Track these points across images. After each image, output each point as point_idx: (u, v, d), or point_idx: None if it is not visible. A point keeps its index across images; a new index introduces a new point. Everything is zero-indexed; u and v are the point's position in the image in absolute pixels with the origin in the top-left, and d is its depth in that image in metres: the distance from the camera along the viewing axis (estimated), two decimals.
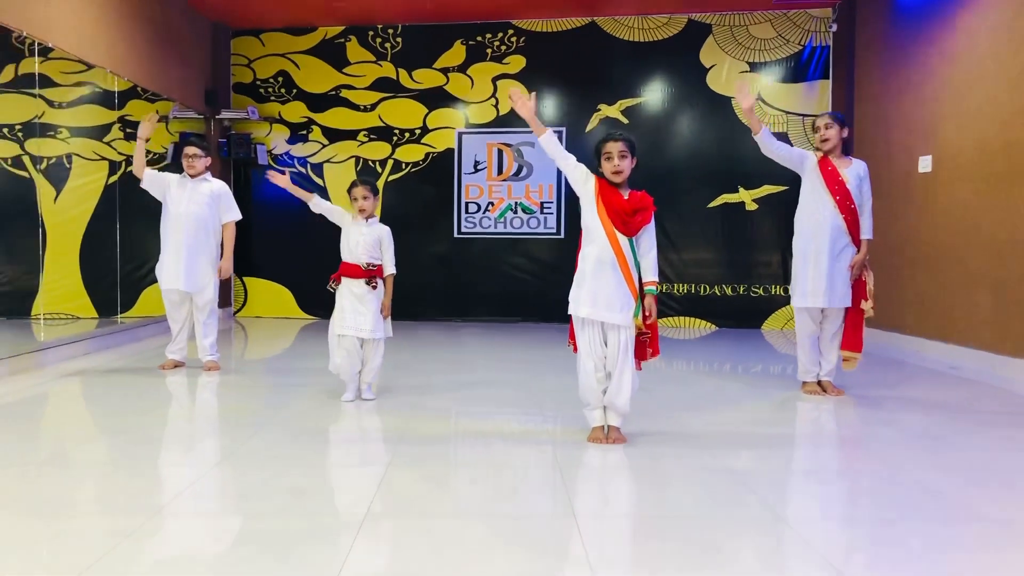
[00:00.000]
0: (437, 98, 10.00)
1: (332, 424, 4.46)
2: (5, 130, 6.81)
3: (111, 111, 7.80)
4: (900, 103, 7.91)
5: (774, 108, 9.52)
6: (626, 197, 3.89)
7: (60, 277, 7.41)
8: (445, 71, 9.98)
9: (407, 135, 10.03)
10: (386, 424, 4.43)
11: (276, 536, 2.69)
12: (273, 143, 10.19)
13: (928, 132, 7.41)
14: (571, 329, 4.03)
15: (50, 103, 7.04)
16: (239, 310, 10.35)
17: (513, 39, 9.88)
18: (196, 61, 9.41)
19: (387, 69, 10.03)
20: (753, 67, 9.55)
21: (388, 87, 10.04)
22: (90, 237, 7.74)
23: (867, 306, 5.21)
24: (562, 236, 9.80)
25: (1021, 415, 4.85)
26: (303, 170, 10.15)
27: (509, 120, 9.88)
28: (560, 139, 9.80)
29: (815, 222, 5.22)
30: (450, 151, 9.99)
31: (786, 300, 9.34)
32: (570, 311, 3.94)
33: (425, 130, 10.01)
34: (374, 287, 4.88)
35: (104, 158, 7.83)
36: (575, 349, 4.00)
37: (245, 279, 10.30)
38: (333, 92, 10.10)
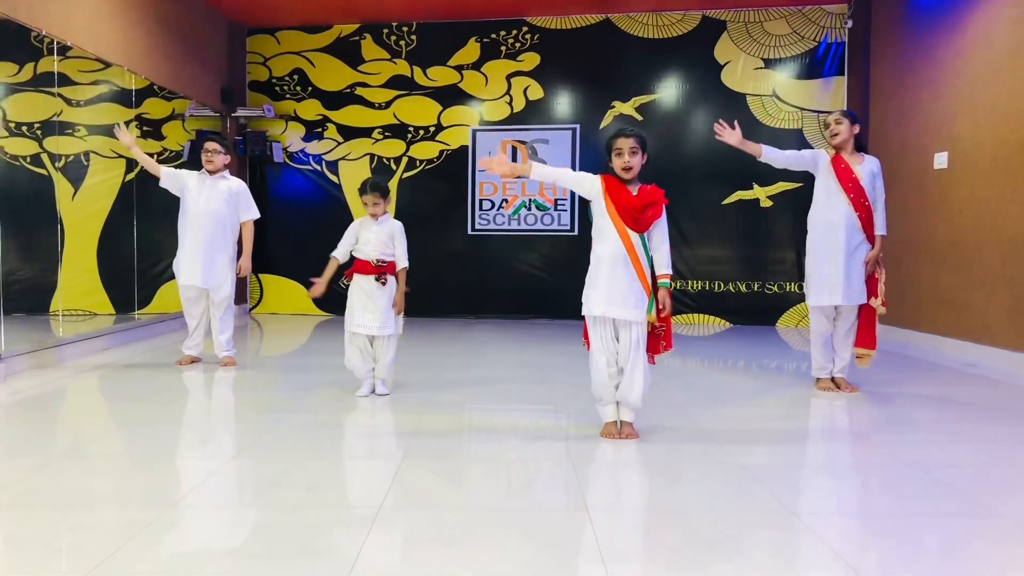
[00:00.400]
0: (451, 95, 10.02)
1: (347, 418, 4.49)
2: (24, 128, 6.87)
3: (128, 109, 7.85)
4: (916, 99, 7.88)
5: (789, 104, 9.49)
6: (635, 193, 3.89)
7: (78, 274, 7.47)
8: (459, 68, 10.00)
9: (421, 132, 10.05)
10: (400, 419, 4.46)
11: (291, 529, 2.72)
12: (288, 141, 10.25)
13: (944, 128, 7.38)
14: (585, 329, 4.04)
15: (68, 101, 7.09)
16: (255, 307, 10.41)
17: (527, 36, 9.88)
18: (212, 59, 9.47)
19: (402, 67, 10.06)
20: (768, 63, 9.53)
21: (403, 85, 10.07)
22: (107, 234, 7.80)
23: (878, 303, 5.19)
24: (576, 233, 9.80)
25: None
26: (318, 167, 10.20)
27: (523, 117, 9.89)
28: (574, 136, 9.80)
29: (829, 220, 5.22)
30: (464, 148, 10.01)
31: (800, 297, 9.31)
32: (584, 312, 3.95)
33: (439, 127, 10.04)
34: (384, 283, 4.90)
35: (121, 156, 7.89)
36: (589, 347, 4.02)
37: (261, 276, 10.36)
38: (348, 90, 10.14)
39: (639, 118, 9.63)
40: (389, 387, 5.09)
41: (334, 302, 10.05)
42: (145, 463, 3.57)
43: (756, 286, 9.64)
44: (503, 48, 9.92)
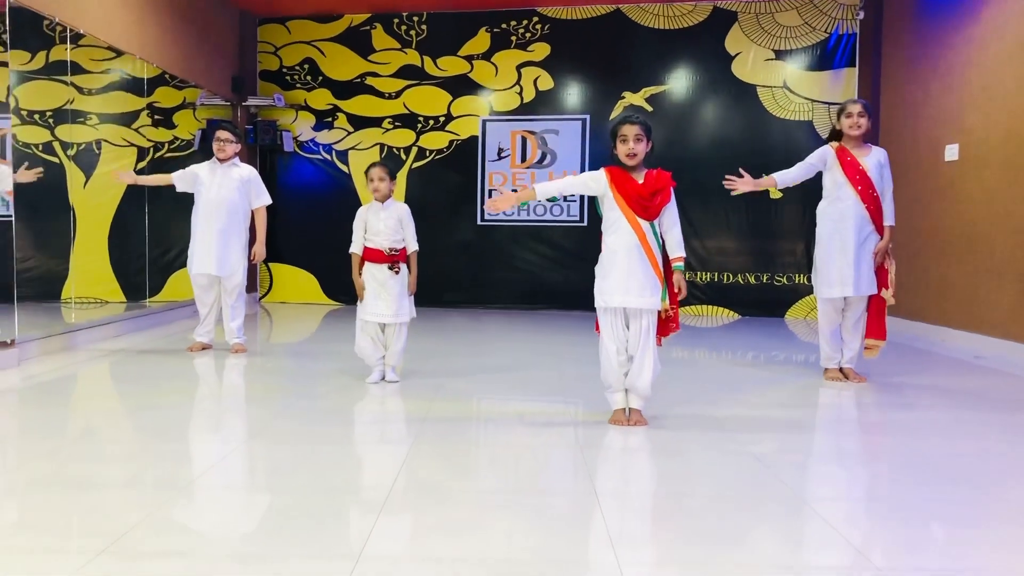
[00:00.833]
0: (461, 85, 10.03)
1: (357, 404, 4.52)
2: (36, 116, 6.90)
3: (140, 98, 7.89)
4: (926, 91, 7.85)
5: (799, 96, 9.47)
6: (641, 181, 3.90)
7: (89, 262, 7.51)
8: (469, 59, 10.01)
9: (431, 122, 10.07)
10: (410, 405, 4.49)
11: (301, 512, 2.75)
12: (299, 130, 10.27)
13: (955, 120, 7.36)
14: (597, 317, 4.05)
15: (80, 90, 7.12)
16: (265, 295, 10.46)
17: (538, 26, 9.88)
18: (223, 48, 9.50)
19: (412, 56, 10.07)
20: (779, 54, 9.50)
21: (413, 74, 10.08)
22: (119, 222, 7.84)
23: (888, 294, 5.20)
24: (585, 224, 9.81)
25: None
26: (328, 157, 10.22)
27: (533, 108, 9.89)
28: (583, 127, 9.81)
29: (838, 212, 5.21)
30: (474, 139, 10.02)
31: (809, 289, 9.29)
32: (599, 303, 3.96)
33: (449, 117, 10.05)
34: (396, 271, 4.92)
35: (132, 144, 7.92)
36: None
37: (271, 265, 10.39)
38: (358, 79, 10.15)
39: (649, 109, 9.63)
40: (399, 374, 5.12)
41: (343, 291, 10.10)
42: (157, 446, 3.60)
43: (765, 278, 9.63)
44: (513, 38, 9.91)
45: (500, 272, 10.05)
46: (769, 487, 3.09)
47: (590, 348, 4.44)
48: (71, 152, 7.03)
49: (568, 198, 9.84)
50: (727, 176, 5.17)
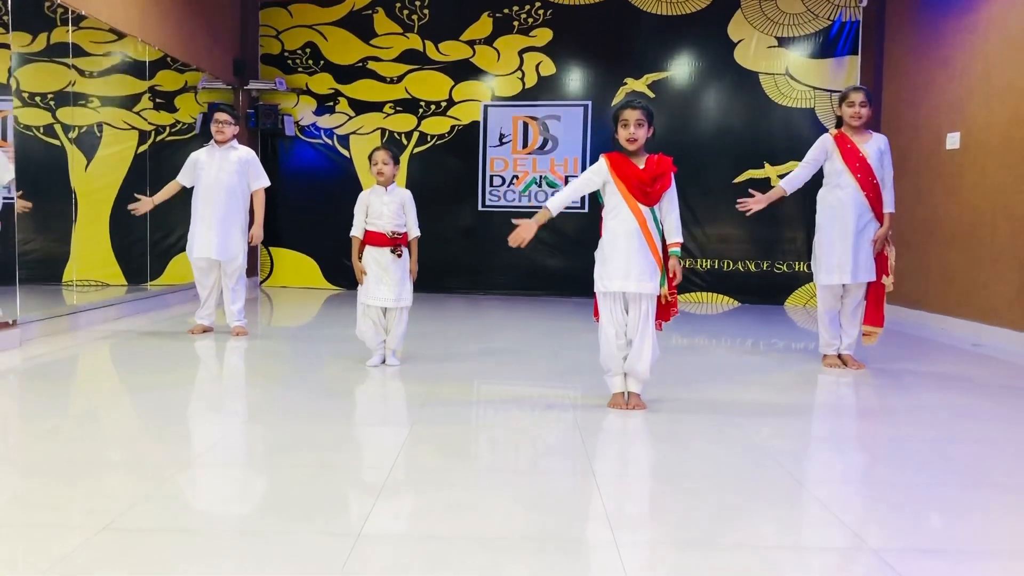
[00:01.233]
0: (463, 70, 10.00)
1: (357, 387, 4.55)
2: (37, 99, 6.90)
3: (141, 81, 7.88)
4: (929, 79, 7.84)
5: (802, 84, 9.45)
6: (642, 166, 3.91)
7: (91, 245, 7.52)
8: (471, 43, 9.98)
9: (433, 107, 10.05)
10: (410, 388, 4.51)
11: (300, 493, 2.77)
12: (300, 114, 10.25)
13: (956, 108, 7.35)
14: (596, 303, 4.07)
15: (81, 72, 7.11)
16: (265, 279, 10.47)
17: (540, 12, 9.85)
18: (225, 32, 9.48)
19: (414, 41, 10.04)
20: (781, 42, 9.48)
21: (415, 59, 10.05)
22: (120, 206, 7.83)
23: (888, 281, 5.21)
24: (586, 210, 9.79)
25: None
26: (329, 141, 10.21)
27: (535, 93, 9.88)
28: (585, 113, 9.79)
29: (837, 199, 5.22)
30: (475, 124, 10.01)
31: (809, 277, 9.29)
32: (597, 288, 3.97)
33: (451, 102, 10.03)
34: (399, 255, 4.93)
35: (134, 127, 7.92)
36: (599, 320, 4.05)
37: (271, 249, 10.40)
38: (360, 64, 10.13)
39: (651, 95, 9.60)
40: (400, 358, 5.14)
41: (343, 276, 10.11)
42: (157, 427, 3.63)
43: (765, 265, 9.64)
44: (516, 23, 9.88)
45: (500, 258, 10.04)
46: (766, 470, 3.11)
47: (589, 333, 4.46)
48: (72, 135, 7.03)
49: (570, 182, 9.80)
50: (739, 200, 5.27)
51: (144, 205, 6.30)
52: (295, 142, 10.28)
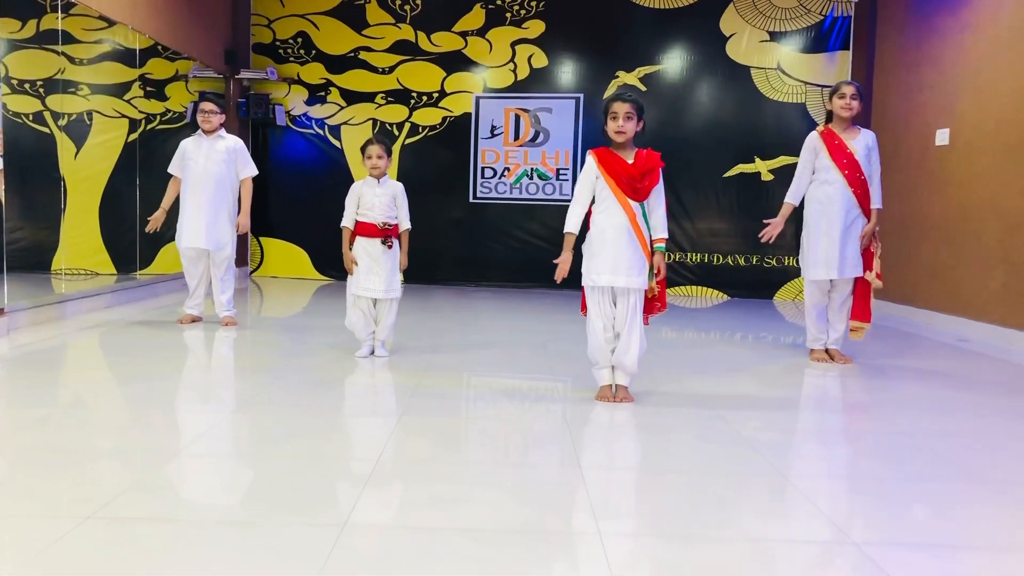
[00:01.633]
0: (455, 62, 9.99)
1: (346, 378, 4.55)
2: (27, 85, 6.86)
3: (132, 69, 7.84)
4: (919, 75, 7.87)
5: (793, 78, 9.47)
6: (631, 161, 3.91)
7: (80, 233, 7.49)
8: (464, 35, 9.96)
9: (424, 98, 10.04)
10: (398, 379, 4.51)
11: (288, 481, 2.78)
12: (291, 104, 10.22)
13: (946, 105, 7.38)
14: (583, 297, 4.08)
15: (71, 59, 7.08)
16: (255, 270, 10.45)
17: (533, 3, 9.83)
18: (216, 21, 9.43)
19: (406, 32, 10.02)
20: (773, 36, 9.50)
21: (406, 50, 10.03)
22: (110, 194, 7.81)
23: (873, 277, 5.24)
24: None
25: None
26: (321, 131, 10.18)
27: (527, 85, 9.87)
28: (577, 106, 9.79)
29: (825, 195, 5.24)
30: (467, 115, 10.00)
31: (798, 271, 9.32)
32: (586, 282, 3.99)
33: (443, 94, 10.01)
34: (389, 246, 4.93)
35: (124, 116, 7.89)
36: (586, 315, 4.07)
37: (262, 239, 10.38)
38: (352, 54, 10.10)
39: (643, 88, 9.61)
40: (389, 349, 5.14)
41: (334, 267, 10.10)
42: (145, 416, 3.63)
43: (755, 259, 9.68)
44: (508, 15, 9.87)
45: (491, 250, 10.06)
46: (752, 463, 3.13)
47: (578, 326, 4.47)
48: (62, 122, 7.00)
49: (561, 176, 9.84)
50: (761, 233, 5.36)
51: (158, 218, 6.21)
52: (286, 132, 10.25)
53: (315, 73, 10.17)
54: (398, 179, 5.17)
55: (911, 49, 8.08)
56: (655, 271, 3.96)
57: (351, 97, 10.11)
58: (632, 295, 3.91)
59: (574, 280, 4.10)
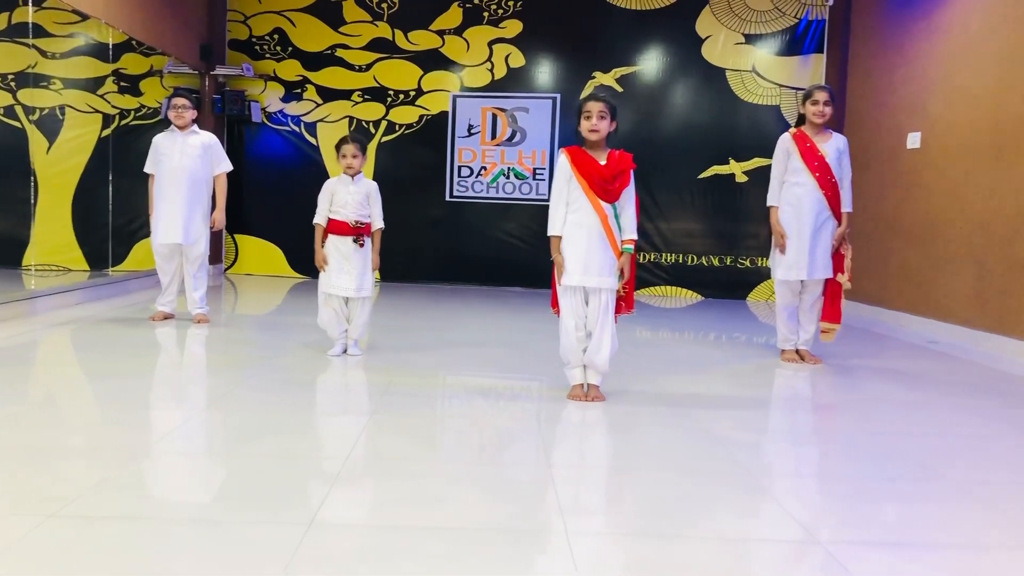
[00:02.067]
0: (432, 60, 9.97)
1: (318, 376, 4.54)
2: None
3: (105, 64, 7.78)
4: (891, 79, 7.96)
5: (768, 81, 9.55)
6: (603, 162, 3.94)
7: (52, 229, 7.43)
8: (441, 33, 9.95)
9: (401, 97, 10.02)
10: (371, 378, 4.52)
11: (256, 478, 2.78)
12: (267, 101, 10.17)
13: (918, 109, 7.47)
14: (554, 296, 4.11)
15: (43, 53, 7.02)
16: (230, 267, 10.39)
17: (510, 3, 9.84)
18: (191, 16, 9.37)
19: (383, 30, 10.00)
20: (748, 39, 9.56)
21: (383, 48, 10.01)
22: (83, 190, 7.75)
23: (844, 279, 5.30)
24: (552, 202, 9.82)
25: (992, 387, 4.97)
26: (296, 128, 10.14)
27: (504, 84, 9.88)
28: (554, 106, 9.82)
29: (795, 197, 5.29)
30: (444, 114, 9.99)
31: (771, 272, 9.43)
32: (557, 282, 4.01)
33: (420, 92, 10.00)
34: (361, 245, 4.93)
35: (98, 111, 7.83)
36: (557, 313, 4.09)
37: (236, 236, 10.32)
38: (328, 51, 10.07)
39: (619, 89, 9.65)
40: (362, 348, 5.14)
41: (309, 265, 10.05)
42: (116, 414, 3.60)
43: (728, 260, 9.74)
44: (486, 14, 9.87)
45: (467, 249, 10.06)
46: (720, 462, 3.17)
47: (552, 325, 4.49)
48: (34, 117, 6.94)
49: (537, 176, 9.86)
50: (775, 247, 5.40)
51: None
52: (262, 129, 10.20)
53: (291, 70, 10.12)
54: (375, 177, 5.17)
55: (884, 52, 8.17)
56: (623, 273, 3.98)
57: (327, 94, 10.08)
58: (603, 294, 3.94)
59: (547, 278, 4.12)
